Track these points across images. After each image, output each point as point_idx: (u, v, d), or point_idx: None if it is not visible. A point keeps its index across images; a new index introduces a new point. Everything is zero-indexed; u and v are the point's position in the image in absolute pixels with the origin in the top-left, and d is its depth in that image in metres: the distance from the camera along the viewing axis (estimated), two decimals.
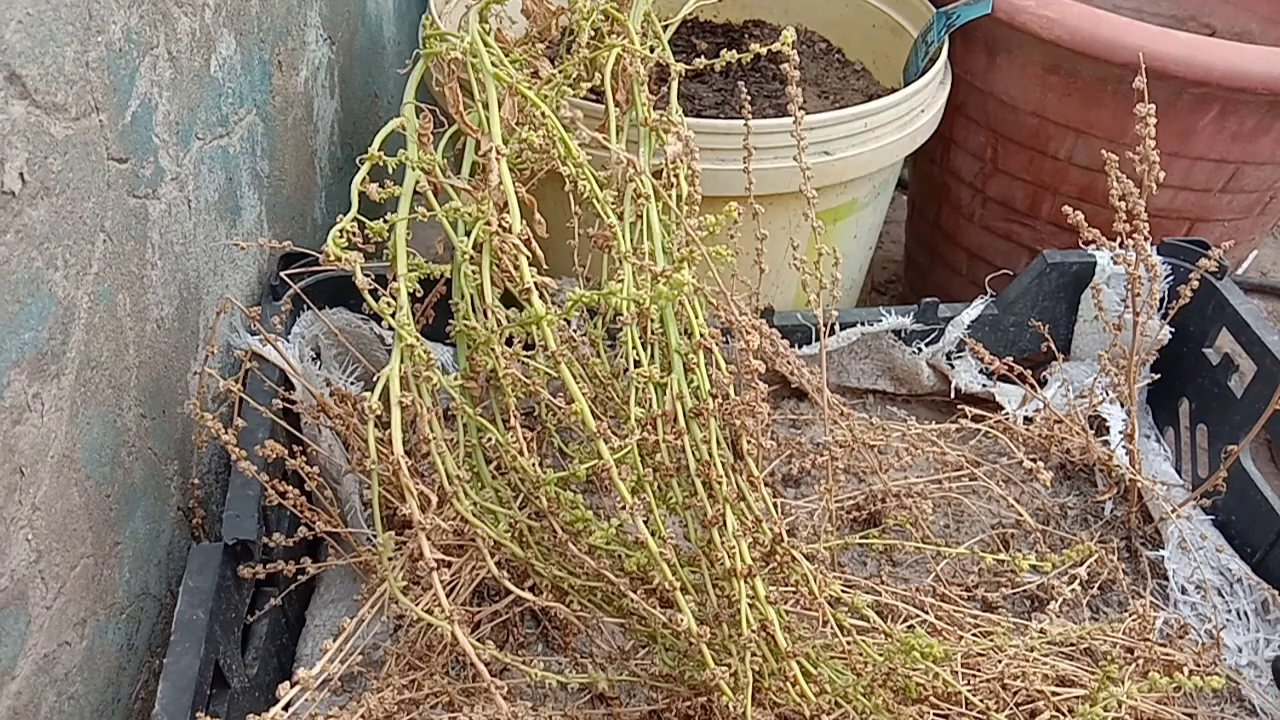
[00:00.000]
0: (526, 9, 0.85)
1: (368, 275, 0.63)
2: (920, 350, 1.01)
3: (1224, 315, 0.96)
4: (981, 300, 1.02)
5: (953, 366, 1.02)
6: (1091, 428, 0.96)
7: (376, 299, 0.63)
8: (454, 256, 0.68)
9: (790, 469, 0.95)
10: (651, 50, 0.80)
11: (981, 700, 0.69)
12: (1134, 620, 0.77)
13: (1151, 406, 1.04)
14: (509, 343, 0.65)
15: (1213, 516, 0.92)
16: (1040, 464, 0.86)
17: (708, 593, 0.64)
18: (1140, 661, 0.76)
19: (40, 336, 0.58)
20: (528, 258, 0.63)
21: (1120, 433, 0.94)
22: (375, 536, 0.67)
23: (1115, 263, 0.98)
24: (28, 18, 0.54)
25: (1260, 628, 0.84)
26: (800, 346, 0.98)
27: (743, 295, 0.87)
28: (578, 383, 0.61)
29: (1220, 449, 0.90)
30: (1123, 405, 0.94)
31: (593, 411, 0.61)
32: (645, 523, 0.61)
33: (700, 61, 0.82)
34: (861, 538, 0.82)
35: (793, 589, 0.68)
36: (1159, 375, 1.01)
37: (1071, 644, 0.78)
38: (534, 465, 0.62)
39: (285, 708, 0.59)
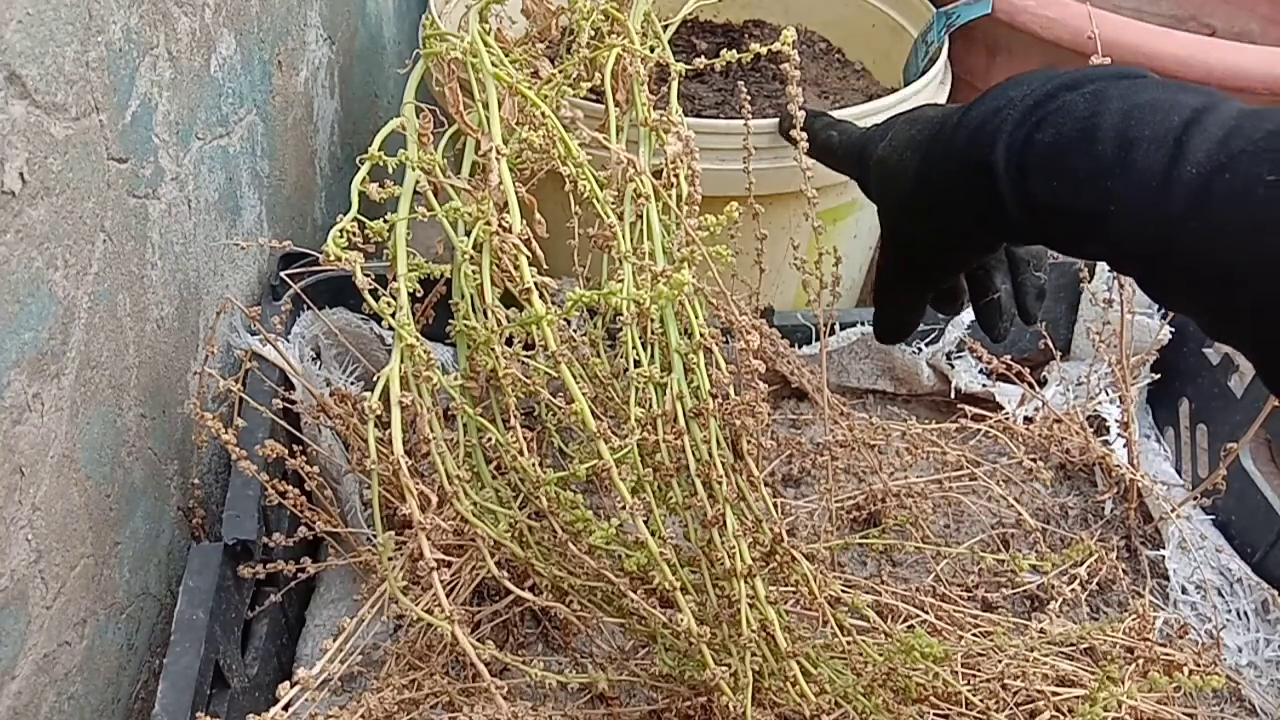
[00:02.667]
0: (526, 9, 0.85)
1: (368, 275, 0.63)
2: (920, 350, 1.01)
3: None
4: None
5: (953, 366, 1.02)
6: (1091, 427, 0.96)
7: (376, 299, 0.63)
8: (454, 256, 0.68)
9: (790, 469, 0.95)
10: (651, 50, 0.80)
11: (981, 700, 0.69)
12: (1134, 620, 0.77)
13: (1151, 406, 1.04)
14: (509, 343, 0.65)
15: (1213, 516, 0.92)
16: (1040, 464, 0.86)
17: (708, 593, 0.64)
18: (1140, 661, 0.76)
19: (40, 336, 0.58)
20: (528, 258, 0.63)
21: (1116, 422, 0.94)
22: (375, 536, 0.67)
23: None
24: (28, 18, 0.54)
25: (1260, 628, 0.84)
26: (800, 346, 0.98)
27: (743, 295, 0.87)
28: (578, 383, 0.61)
29: (1220, 449, 0.90)
30: (1121, 402, 0.94)
31: (593, 411, 0.61)
32: (645, 523, 0.61)
33: (700, 61, 0.81)
34: (861, 538, 0.82)
35: (793, 589, 0.68)
36: (1159, 375, 1.01)
37: (1071, 644, 0.78)
38: (534, 465, 0.62)
39: (285, 708, 0.59)
